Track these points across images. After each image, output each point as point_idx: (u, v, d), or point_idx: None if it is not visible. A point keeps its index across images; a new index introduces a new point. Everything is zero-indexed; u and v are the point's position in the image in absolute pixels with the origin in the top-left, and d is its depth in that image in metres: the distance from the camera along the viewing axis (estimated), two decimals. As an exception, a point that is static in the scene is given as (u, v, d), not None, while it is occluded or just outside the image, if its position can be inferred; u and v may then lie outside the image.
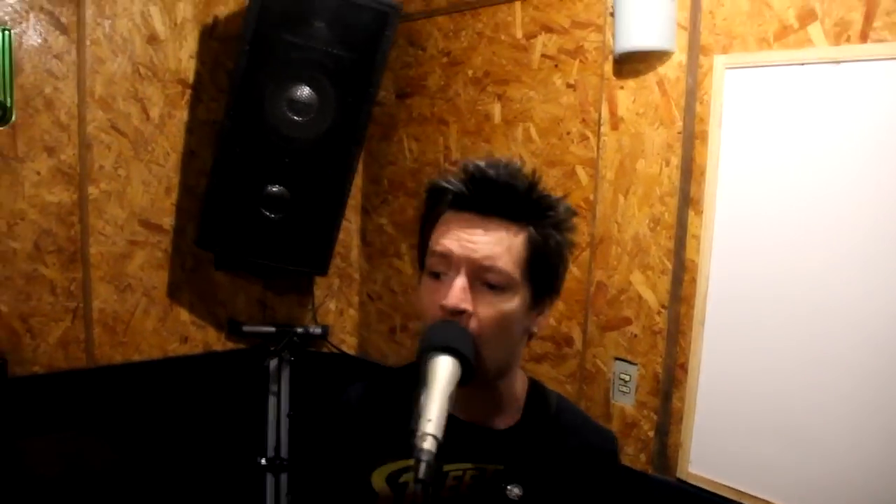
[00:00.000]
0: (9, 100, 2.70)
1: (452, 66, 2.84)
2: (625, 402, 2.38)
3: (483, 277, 1.19)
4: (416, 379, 1.23)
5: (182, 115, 3.02)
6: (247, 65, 2.59)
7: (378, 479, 1.27)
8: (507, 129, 2.66)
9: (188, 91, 3.02)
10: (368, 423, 1.33)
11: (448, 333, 1.15)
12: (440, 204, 1.25)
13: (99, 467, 2.67)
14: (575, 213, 1.31)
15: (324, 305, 3.22)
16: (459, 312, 1.17)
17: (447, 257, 1.20)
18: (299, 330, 3.11)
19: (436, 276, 1.22)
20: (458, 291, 1.17)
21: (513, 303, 1.21)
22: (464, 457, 1.27)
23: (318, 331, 3.14)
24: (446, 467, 1.26)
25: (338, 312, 3.31)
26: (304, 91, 2.65)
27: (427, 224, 1.28)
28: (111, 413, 2.91)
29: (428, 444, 0.99)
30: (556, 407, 1.38)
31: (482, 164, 1.23)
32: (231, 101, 2.65)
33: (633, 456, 2.35)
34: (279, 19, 2.58)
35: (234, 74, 2.64)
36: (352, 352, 3.26)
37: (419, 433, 1.01)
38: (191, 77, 3.02)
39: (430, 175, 2.95)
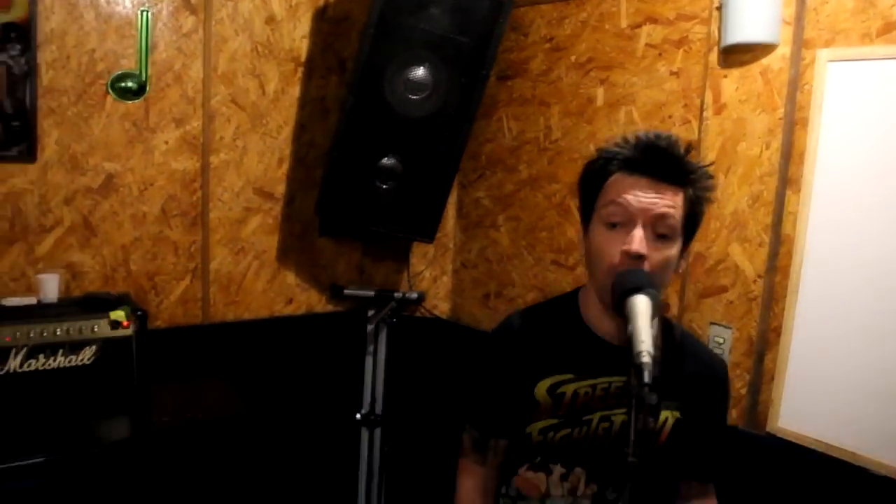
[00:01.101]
0: (145, 75, 2.99)
1: (555, 52, 3.12)
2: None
3: (655, 229, 1.50)
4: (563, 310, 1.69)
5: (294, 91, 3.30)
6: (370, 46, 2.87)
7: (540, 390, 1.62)
8: (609, 112, 2.94)
9: (300, 69, 3.31)
10: (530, 345, 1.67)
11: (639, 277, 1.46)
12: (611, 167, 1.55)
13: (227, 411, 2.95)
14: (713, 177, 1.62)
15: (419, 273, 3.52)
16: (639, 256, 1.48)
17: (626, 209, 1.50)
18: (397, 294, 3.40)
19: (611, 226, 1.52)
20: (639, 239, 1.48)
21: (674, 250, 1.53)
22: (611, 371, 1.62)
23: (414, 296, 3.43)
24: (599, 380, 1.62)
25: (432, 279, 3.61)
26: (421, 71, 2.93)
27: (596, 184, 1.58)
28: (224, 367, 3.20)
29: (646, 358, 1.31)
30: (681, 333, 1.75)
31: (652, 135, 1.55)
32: (355, 80, 2.93)
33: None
34: (402, 5, 2.86)
35: (359, 55, 2.92)
36: (444, 316, 3.55)
37: (638, 352, 1.31)
38: (303, 56, 3.30)
39: (530, 152, 3.24)
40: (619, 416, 1.61)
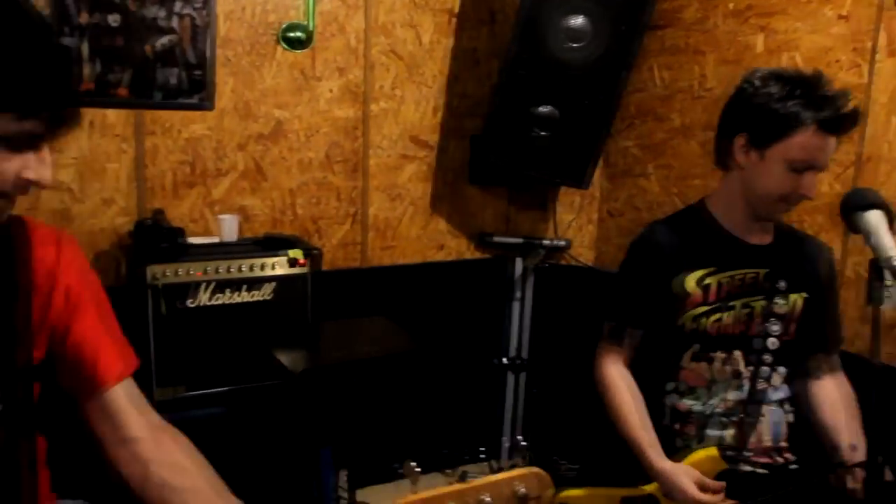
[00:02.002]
0: (312, 25, 3.14)
1: (711, 0, 3.17)
2: (885, 307, 2.71)
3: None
4: (695, 217, 2.08)
5: (448, 42, 3.42)
6: (534, -5, 2.97)
7: (690, 283, 1.97)
8: (769, 59, 2.98)
9: (453, 20, 3.41)
10: (674, 246, 2.02)
11: (870, 196, 1.68)
12: (805, 120, 1.82)
13: (392, 348, 3.11)
14: None
15: (563, 220, 3.63)
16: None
17: (811, 163, 1.85)
18: (544, 242, 3.51)
19: (792, 170, 1.86)
20: (815, 185, 1.89)
21: None
22: (747, 265, 2.00)
23: (561, 243, 3.54)
24: (737, 272, 1.99)
25: (577, 228, 3.71)
26: (581, 20, 3.01)
27: (783, 126, 1.85)
28: (381, 310, 3.36)
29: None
30: (789, 228, 2.17)
31: (840, 97, 1.84)
32: (516, 28, 3.03)
33: (892, 354, 2.69)
34: (564, -46, 2.94)
35: (522, 3, 3.01)
36: (589, 264, 3.66)
37: (886, 256, 1.54)
38: (456, 7, 3.41)
39: (682, 101, 3.30)
40: (757, 302, 1.99)
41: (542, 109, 3.11)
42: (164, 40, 2.93)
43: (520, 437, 3.58)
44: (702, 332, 1.98)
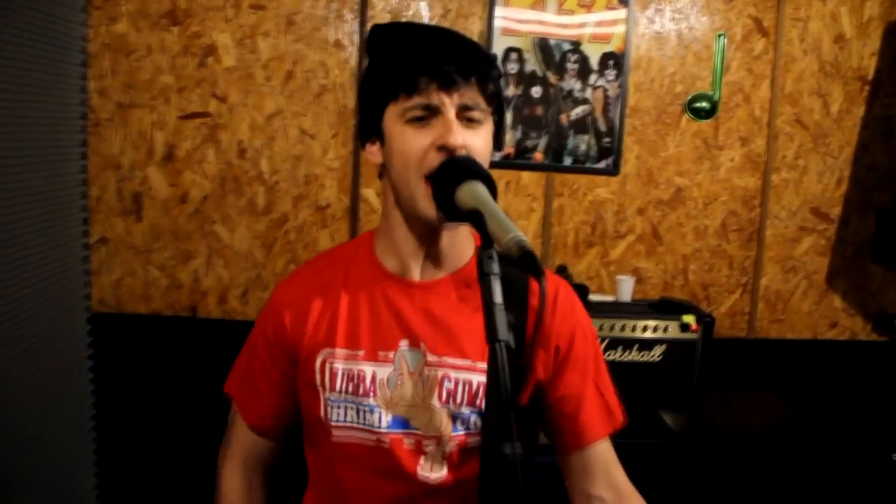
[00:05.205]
0: (718, 95, 3.24)
1: None
2: None
3: None
4: None
5: (858, 111, 3.35)
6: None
7: None
8: None
9: (866, 88, 3.34)
10: None
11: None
12: None
13: (783, 424, 3.10)
14: None
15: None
16: None
17: None
18: (957, 329, 3.29)
19: None
20: None
21: None
22: None
23: (976, 332, 3.29)
24: None
25: None
26: None
27: None
28: (765, 383, 3.33)
29: None
30: None
31: None
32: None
33: None
34: None
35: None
36: None
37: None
38: (870, 74, 3.33)
39: None
40: None
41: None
42: (578, 110, 3.19)
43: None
44: None
